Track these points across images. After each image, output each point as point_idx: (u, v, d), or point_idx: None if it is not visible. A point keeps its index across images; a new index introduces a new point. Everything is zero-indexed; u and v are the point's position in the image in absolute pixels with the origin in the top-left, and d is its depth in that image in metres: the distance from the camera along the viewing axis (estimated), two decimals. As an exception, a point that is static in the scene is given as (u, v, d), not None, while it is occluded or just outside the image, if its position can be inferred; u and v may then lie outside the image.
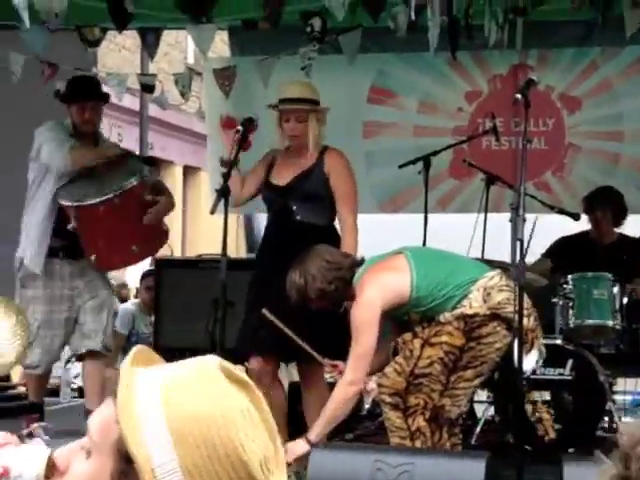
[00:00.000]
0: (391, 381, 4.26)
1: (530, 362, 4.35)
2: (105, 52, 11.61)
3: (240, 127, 4.87)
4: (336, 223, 5.01)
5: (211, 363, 1.21)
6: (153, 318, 6.93)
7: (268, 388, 4.77)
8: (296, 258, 4.64)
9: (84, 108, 5.30)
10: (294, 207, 4.87)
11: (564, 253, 6.06)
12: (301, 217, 4.86)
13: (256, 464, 1.13)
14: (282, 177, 4.96)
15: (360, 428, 5.90)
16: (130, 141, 13.36)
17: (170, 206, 5.45)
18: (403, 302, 4.28)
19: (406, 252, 4.44)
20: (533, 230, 5.04)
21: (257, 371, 4.86)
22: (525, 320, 4.09)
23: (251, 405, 1.18)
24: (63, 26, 5.46)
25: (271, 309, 4.72)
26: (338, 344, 4.85)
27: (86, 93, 5.35)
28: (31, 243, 5.25)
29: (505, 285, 4.31)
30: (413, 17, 4.74)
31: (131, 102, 10.89)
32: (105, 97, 5.48)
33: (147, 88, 6.55)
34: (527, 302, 4.18)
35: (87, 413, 5.05)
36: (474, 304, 4.24)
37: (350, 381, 4.19)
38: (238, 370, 1.23)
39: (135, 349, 1.24)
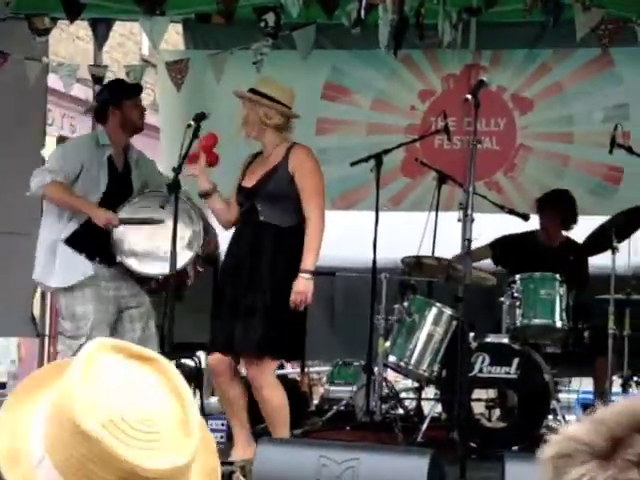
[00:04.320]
0: None
1: None
2: (58, 41, 11.49)
3: (192, 122, 4.86)
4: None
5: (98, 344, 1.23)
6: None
7: (227, 383, 4.82)
8: (259, 260, 4.69)
9: (139, 102, 5.32)
10: (259, 207, 4.86)
11: (506, 250, 6.14)
12: (264, 217, 4.84)
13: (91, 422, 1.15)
14: (251, 179, 4.95)
15: (308, 424, 5.92)
16: (83, 132, 13.22)
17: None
18: None
19: None
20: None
21: (212, 368, 4.91)
22: None
23: (155, 375, 1.21)
24: (13, 15, 5.39)
25: (234, 306, 4.75)
26: (300, 343, 4.89)
27: (137, 87, 5.43)
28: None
29: None
30: (363, 15, 4.75)
31: (85, 93, 10.78)
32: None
33: (98, 79, 6.49)
34: None
35: None
36: None
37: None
38: (135, 347, 1.24)
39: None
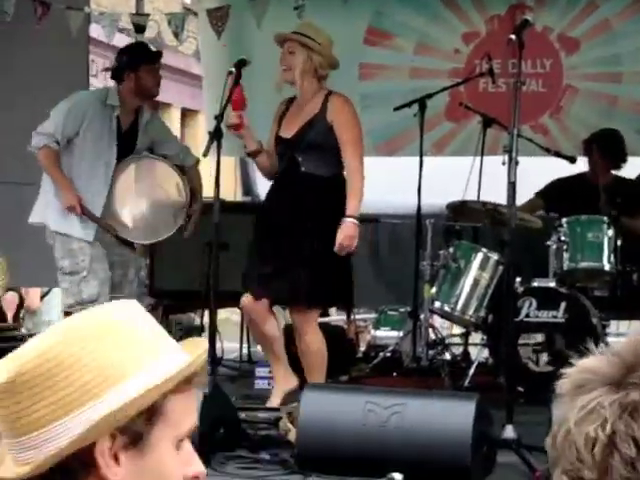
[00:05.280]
0: None
1: None
2: (100, -8, 11.46)
3: (232, 69, 4.82)
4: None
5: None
6: (148, 261, 6.93)
7: (263, 318, 4.82)
8: (302, 210, 4.67)
9: (156, 70, 5.33)
10: (300, 159, 4.84)
11: (558, 194, 6.04)
12: (306, 169, 4.83)
13: None
14: (289, 129, 4.91)
15: (355, 370, 5.95)
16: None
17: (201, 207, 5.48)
18: None
19: None
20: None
21: (246, 307, 4.90)
22: None
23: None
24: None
25: (276, 256, 4.75)
26: (342, 291, 4.89)
27: (156, 54, 5.41)
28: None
29: None
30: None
31: (127, 43, 10.76)
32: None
33: (139, 28, 6.47)
34: None
35: None
36: None
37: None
38: None
39: None
